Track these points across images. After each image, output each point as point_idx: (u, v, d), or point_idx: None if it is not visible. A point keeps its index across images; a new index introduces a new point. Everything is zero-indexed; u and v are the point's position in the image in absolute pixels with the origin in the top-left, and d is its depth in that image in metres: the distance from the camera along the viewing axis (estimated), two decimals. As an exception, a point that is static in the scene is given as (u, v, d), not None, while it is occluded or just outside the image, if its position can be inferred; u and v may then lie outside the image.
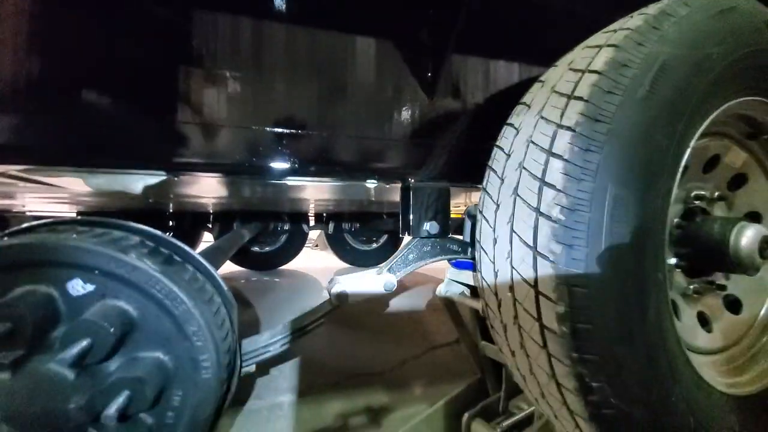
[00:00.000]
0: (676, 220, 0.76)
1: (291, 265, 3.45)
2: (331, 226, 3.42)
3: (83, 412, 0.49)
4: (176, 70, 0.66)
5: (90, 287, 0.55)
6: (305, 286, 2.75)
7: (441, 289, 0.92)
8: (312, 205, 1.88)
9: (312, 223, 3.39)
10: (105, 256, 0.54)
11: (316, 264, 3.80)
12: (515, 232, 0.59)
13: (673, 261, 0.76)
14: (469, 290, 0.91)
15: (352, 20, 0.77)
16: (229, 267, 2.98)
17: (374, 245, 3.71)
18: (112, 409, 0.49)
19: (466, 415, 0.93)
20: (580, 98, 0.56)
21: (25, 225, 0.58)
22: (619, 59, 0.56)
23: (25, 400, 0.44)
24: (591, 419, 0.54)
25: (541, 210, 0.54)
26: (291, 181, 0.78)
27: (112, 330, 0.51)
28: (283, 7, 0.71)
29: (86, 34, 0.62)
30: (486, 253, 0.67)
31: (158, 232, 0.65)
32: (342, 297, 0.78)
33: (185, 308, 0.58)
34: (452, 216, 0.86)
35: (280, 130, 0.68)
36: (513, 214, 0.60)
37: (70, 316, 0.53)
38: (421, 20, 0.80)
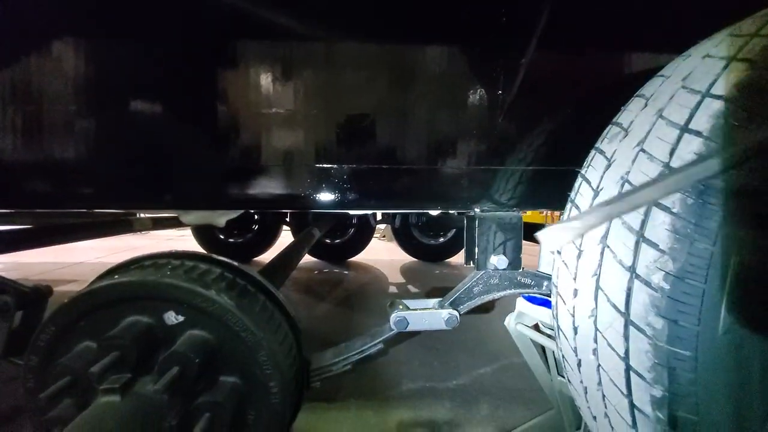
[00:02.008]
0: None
1: (360, 257, 3.59)
2: (397, 220, 3.45)
3: (175, 431, 0.57)
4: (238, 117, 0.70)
5: (181, 318, 0.62)
6: (371, 281, 2.84)
7: (510, 322, 0.85)
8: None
9: (379, 217, 3.45)
10: (191, 291, 0.61)
11: (383, 256, 3.88)
12: (602, 290, 0.50)
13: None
14: (542, 325, 0.83)
15: (417, 30, 0.72)
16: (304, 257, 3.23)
17: (441, 239, 3.65)
18: (197, 430, 0.56)
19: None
20: (697, 133, 0.44)
21: (132, 258, 0.68)
22: (756, 82, 0.42)
23: (131, 420, 0.53)
24: None
25: (637, 272, 0.45)
26: (355, 211, 0.78)
27: (197, 360, 0.58)
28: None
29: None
30: (564, 302, 0.59)
31: (236, 264, 0.70)
32: (401, 325, 0.77)
33: (255, 339, 0.62)
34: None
35: (337, 166, 0.69)
36: (600, 267, 0.51)
37: (166, 342, 0.61)
38: (488, 28, 0.72)
